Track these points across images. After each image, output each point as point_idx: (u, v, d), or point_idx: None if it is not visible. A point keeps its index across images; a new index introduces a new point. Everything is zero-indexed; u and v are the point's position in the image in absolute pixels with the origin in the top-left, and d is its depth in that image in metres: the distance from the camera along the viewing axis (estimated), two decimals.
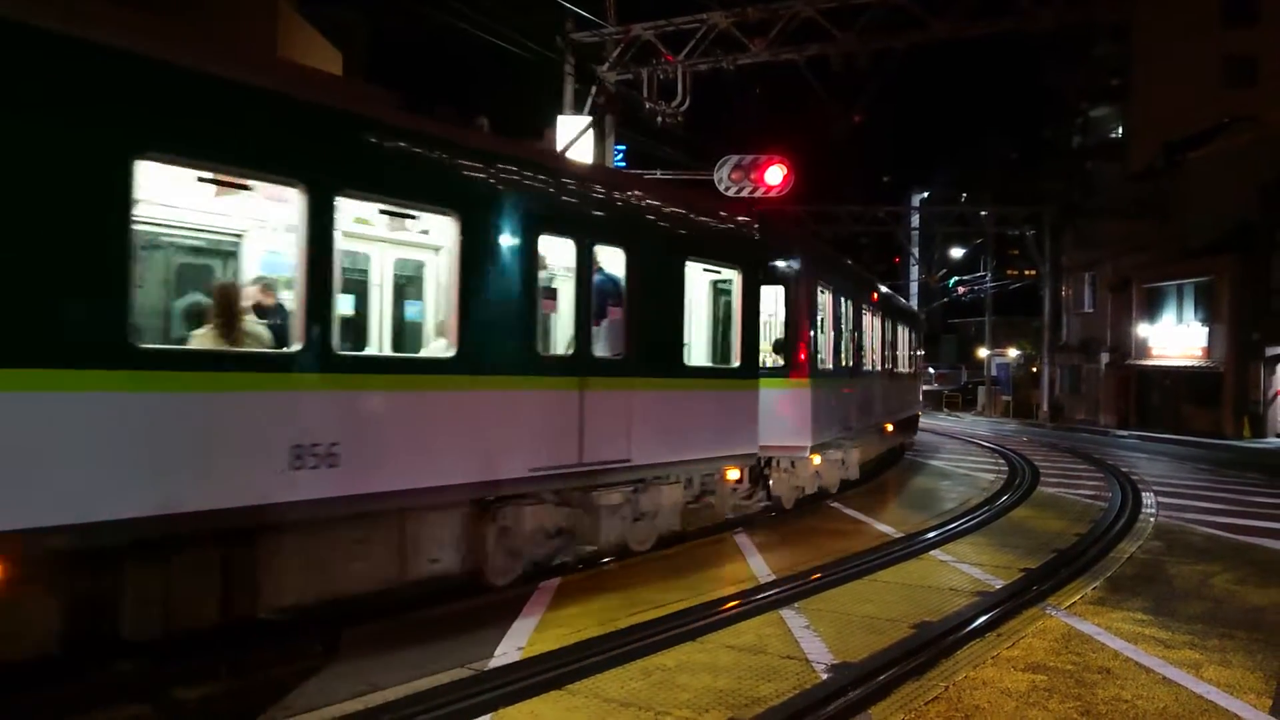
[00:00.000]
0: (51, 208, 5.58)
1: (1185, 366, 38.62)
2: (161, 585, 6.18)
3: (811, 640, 7.42)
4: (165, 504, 5.99)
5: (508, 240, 8.44)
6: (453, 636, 7.49)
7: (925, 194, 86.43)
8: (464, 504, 8.24)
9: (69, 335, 5.62)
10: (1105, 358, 44.86)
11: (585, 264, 9.36)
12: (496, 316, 8.29)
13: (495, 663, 6.75)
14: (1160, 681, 6.67)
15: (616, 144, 22.78)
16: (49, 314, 5.55)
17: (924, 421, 41.48)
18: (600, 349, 9.62)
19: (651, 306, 10.19)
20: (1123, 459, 26.07)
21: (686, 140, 23.94)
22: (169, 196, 7.35)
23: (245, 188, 7.06)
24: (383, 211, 8.21)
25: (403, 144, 7.62)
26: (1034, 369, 52.89)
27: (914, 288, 73.24)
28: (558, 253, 9.35)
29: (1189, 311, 38.80)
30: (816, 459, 14.45)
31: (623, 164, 23.72)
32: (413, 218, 8.46)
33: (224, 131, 6.46)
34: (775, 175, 20.82)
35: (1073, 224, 47.60)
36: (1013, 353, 59.13)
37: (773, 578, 9.78)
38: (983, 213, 52.77)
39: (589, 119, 20.50)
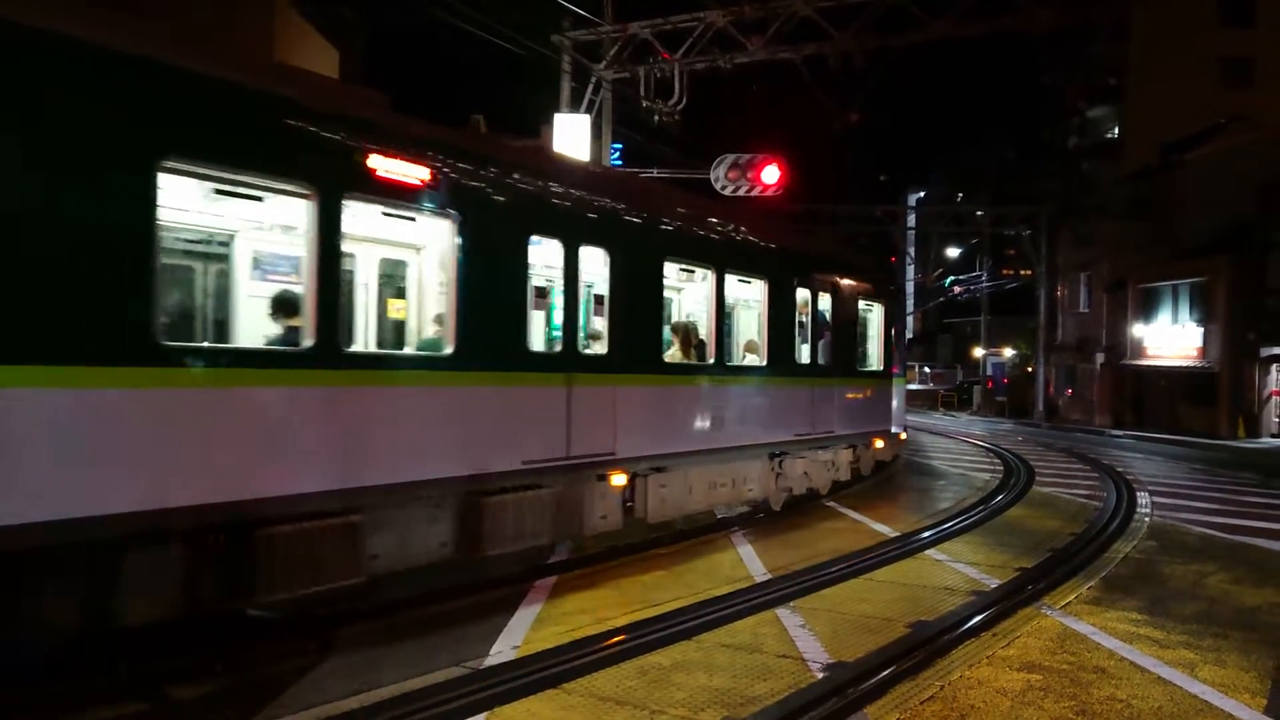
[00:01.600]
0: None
1: (1181, 367, 38.66)
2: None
3: (807, 639, 7.43)
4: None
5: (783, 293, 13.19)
6: (448, 634, 7.49)
7: (922, 193, 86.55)
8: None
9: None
10: (1101, 358, 44.89)
11: (815, 306, 14.15)
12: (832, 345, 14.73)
13: (491, 661, 6.75)
14: (1155, 681, 6.69)
15: (613, 142, 22.79)
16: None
17: (919, 421, 41.51)
18: (822, 359, 14.46)
19: (847, 331, 15.41)
20: (1118, 459, 26.12)
21: (683, 139, 23.95)
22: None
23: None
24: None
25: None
26: (1029, 369, 52.93)
27: (910, 287, 73.28)
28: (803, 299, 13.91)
29: (1184, 312, 38.84)
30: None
31: (619, 162, 23.72)
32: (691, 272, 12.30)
33: None
34: (771, 174, 20.86)
35: (1069, 224, 47.60)
36: (1008, 352, 59.17)
37: (768, 576, 9.79)
38: (979, 212, 52.82)
39: (586, 117, 20.52)
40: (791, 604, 8.58)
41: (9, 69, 5.27)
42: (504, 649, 7.06)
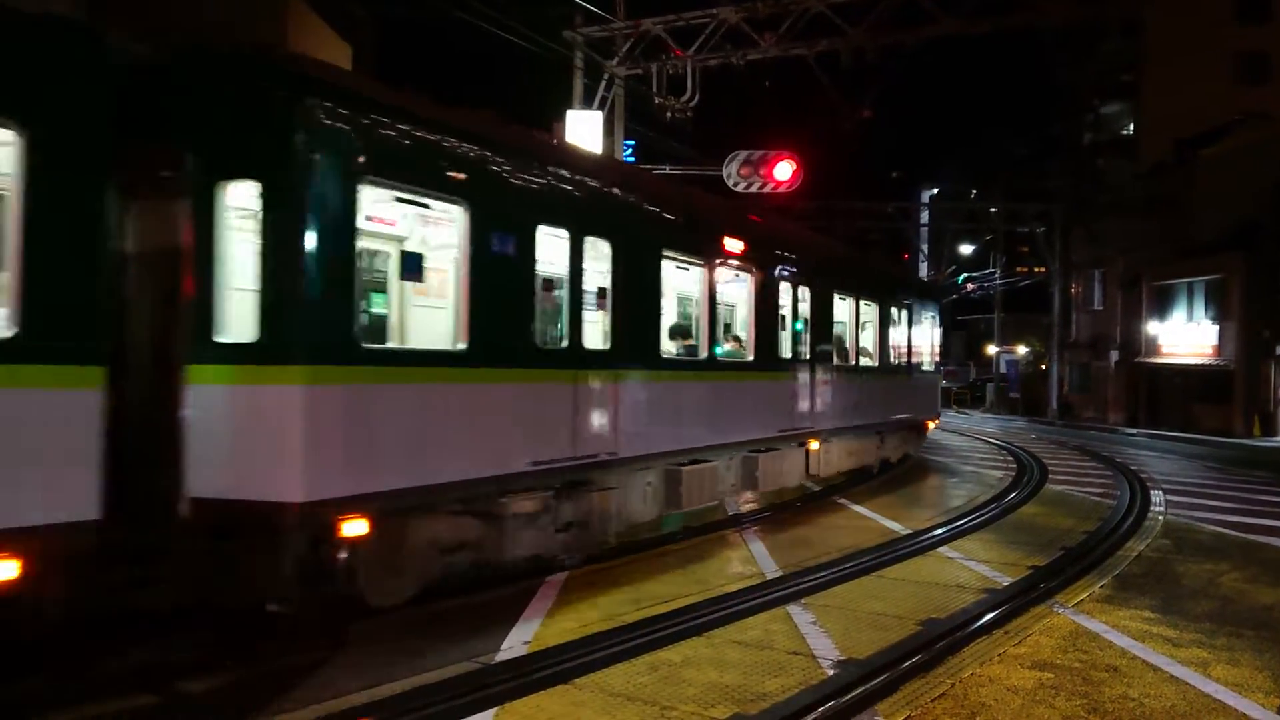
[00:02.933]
0: None
1: (1195, 364, 38.44)
2: None
3: (818, 636, 7.42)
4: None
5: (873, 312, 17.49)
6: (459, 630, 7.51)
7: (935, 190, 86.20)
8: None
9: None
10: (1115, 355, 44.68)
11: (885, 320, 17.86)
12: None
13: (502, 656, 6.76)
14: (1168, 680, 6.65)
15: (625, 139, 22.78)
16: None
17: None
18: (914, 360, 19.64)
19: (919, 337, 20.27)
20: (1132, 457, 25.99)
21: (696, 136, 23.93)
22: None
23: None
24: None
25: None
26: (1043, 366, 52.71)
27: None
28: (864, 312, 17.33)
29: (1199, 309, 38.61)
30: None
31: (631, 159, 23.71)
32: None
33: None
34: (784, 171, 20.80)
35: (1083, 221, 47.38)
36: (1021, 350, 58.93)
37: (779, 573, 9.78)
38: (992, 209, 52.62)
39: (599, 114, 20.51)
40: (802, 601, 8.57)
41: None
42: (515, 645, 7.07)
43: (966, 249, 65.25)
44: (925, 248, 65.23)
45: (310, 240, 6.32)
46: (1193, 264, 38.57)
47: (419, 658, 6.76)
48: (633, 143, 23.97)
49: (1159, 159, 44.13)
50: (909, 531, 12.62)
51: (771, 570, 9.97)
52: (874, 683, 6.28)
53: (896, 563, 10.48)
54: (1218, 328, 37.35)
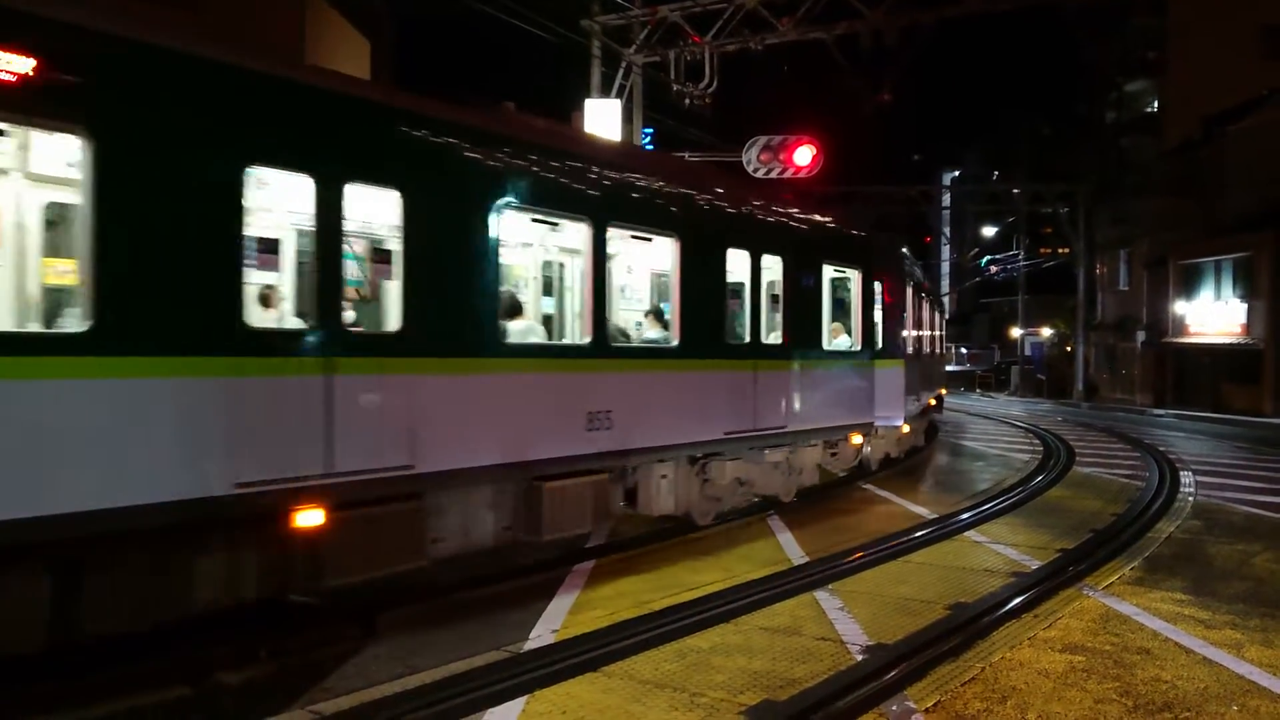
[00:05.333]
0: None
1: (1223, 344, 38.00)
2: None
3: (846, 622, 7.41)
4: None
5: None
6: (488, 619, 7.56)
7: (956, 173, 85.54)
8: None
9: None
10: (1141, 336, 44.24)
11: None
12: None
13: (530, 645, 6.80)
14: (1201, 662, 6.60)
15: (644, 127, 22.72)
16: None
17: (955, 402, 41.21)
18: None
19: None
20: (1160, 438, 25.76)
21: (714, 122, 23.83)
22: None
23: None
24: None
25: None
26: (1068, 348, 52.28)
27: (946, 267, 72.53)
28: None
29: (1227, 288, 38.15)
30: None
31: (650, 147, 23.65)
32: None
33: None
34: (804, 156, 20.69)
35: (1107, 201, 46.90)
36: (1046, 332, 58.47)
37: (806, 560, 9.77)
38: (1015, 190, 52.14)
39: (617, 102, 20.47)
40: (830, 587, 8.55)
41: None
42: (543, 633, 7.11)
43: (989, 231, 64.78)
44: (947, 231, 64.73)
45: None
46: (1220, 242, 38.10)
47: (448, 647, 6.81)
48: (651, 130, 23.93)
49: (1185, 136, 43.55)
50: (935, 516, 12.57)
51: (798, 556, 9.96)
52: (903, 668, 6.27)
53: (923, 547, 10.44)
54: (1246, 306, 36.89)
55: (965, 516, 12.54)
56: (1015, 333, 60.36)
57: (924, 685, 6.01)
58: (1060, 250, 58.50)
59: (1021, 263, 57.67)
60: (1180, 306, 40.64)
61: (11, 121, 5.62)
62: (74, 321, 5.68)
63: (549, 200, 8.73)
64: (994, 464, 19.18)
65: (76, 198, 5.64)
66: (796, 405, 12.06)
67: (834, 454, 14.09)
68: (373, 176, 7.17)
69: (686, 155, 23.33)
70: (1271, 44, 43.68)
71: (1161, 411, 38.65)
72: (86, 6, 5.58)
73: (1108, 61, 51.82)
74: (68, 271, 6.28)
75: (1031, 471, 17.73)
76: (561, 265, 11.20)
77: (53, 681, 5.89)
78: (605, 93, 21.14)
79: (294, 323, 7.62)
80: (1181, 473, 17.36)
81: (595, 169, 9.22)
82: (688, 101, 21.05)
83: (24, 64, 5.19)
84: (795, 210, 12.84)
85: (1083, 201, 46.86)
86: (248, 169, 6.33)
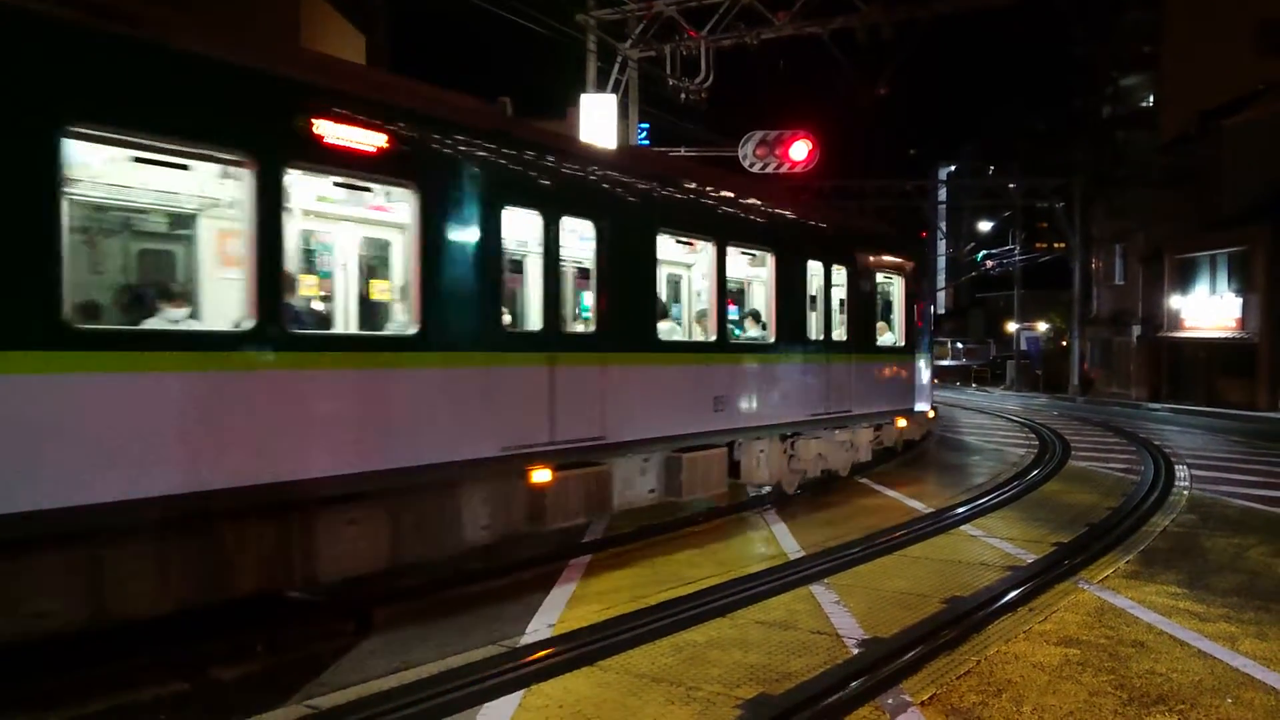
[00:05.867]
0: None
1: (1218, 338, 38.04)
2: None
3: (842, 615, 7.43)
4: None
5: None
6: (485, 613, 7.57)
7: (952, 167, 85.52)
8: None
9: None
10: (1136, 330, 44.28)
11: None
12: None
13: (527, 639, 6.80)
14: (1195, 654, 6.62)
15: (640, 122, 22.69)
16: None
17: (951, 397, 41.24)
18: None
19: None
20: (1155, 432, 25.81)
21: (710, 117, 23.79)
22: None
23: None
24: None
25: None
26: (1064, 342, 52.32)
27: (941, 262, 72.53)
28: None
29: (1222, 282, 38.17)
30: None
31: (646, 142, 23.62)
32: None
33: None
34: (800, 150, 20.68)
35: (1103, 195, 46.88)
36: (1042, 326, 58.48)
37: (802, 554, 9.79)
38: (1011, 185, 52.13)
39: (613, 97, 20.44)
40: (825, 580, 8.57)
41: None
42: (540, 627, 7.12)
43: (985, 226, 64.77)
44: (943, 225, 64.72)
45: None
46: (1216, 236, 38.12)
47: (444, 642, 6.82)
48: (647, 126, 23.90)
49: (1180, 131, 43.54)
50: (931, 510, 12.60)
51: (793, 550, 9.98)
52: (899, 661, 6.28)
53: (919, 541, 10.47)
54: (1241, 300, 36.92)
55: (961, 510, 12.57)
56: (1011, 327, 60.36)
57: (920, 678, 6.03)
58: (1056, 245, 58.47)
59: (1017, 257, 57.60)
60: (1175, 301, 40.66)
61: (371, 180, 7.43)
62: (404, 326, 7.57)
63: (690, 226, 11.07)
64: (990, 458, 19.21)
65: (398, 235, 8.10)
66: (857, 393, 14.07)
67: (878, 435, 15.53)
68: (577, 211, 9.14)
69: (682, 151, 23.32)
70: (1268, 38, 43.69)
71: (1157, 406, 38.72)
72: (418, 98, 7.69)
73: (1103, 56, 51.85)
74: (384, 289, 8.79)
75: (1027, 466, 17.76)
76: (678, 277, 13.28)
77: (49, 678, 5.89)
78: (601, 87, 21.09)
79: (532, 325, 9.31)
80: (1176, 467, 17.40)
81: (716, 198, 11.54)
82: (684, 96, 21.01)
83: (379, 139, 7.03)
84: (855, 225, 15.50)
85: (1078, 196, 46.85)
86: (504, 210, 8.26)
